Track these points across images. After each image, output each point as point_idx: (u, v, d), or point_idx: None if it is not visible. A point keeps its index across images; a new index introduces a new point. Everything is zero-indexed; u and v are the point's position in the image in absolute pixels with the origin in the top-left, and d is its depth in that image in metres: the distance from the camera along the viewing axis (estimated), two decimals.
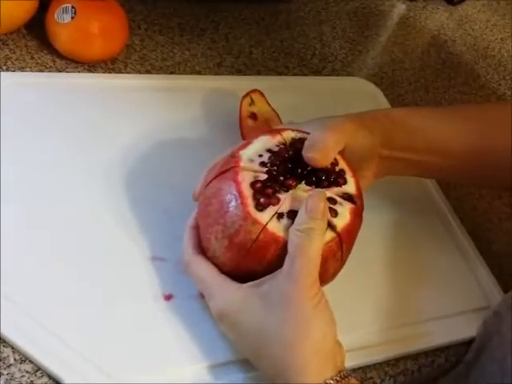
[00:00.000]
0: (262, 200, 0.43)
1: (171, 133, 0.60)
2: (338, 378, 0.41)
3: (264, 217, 0.43)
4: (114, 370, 0.43)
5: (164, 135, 0.60)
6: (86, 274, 0.48)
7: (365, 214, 0.47)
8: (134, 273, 0.49)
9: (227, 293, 0.44)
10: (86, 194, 0.53)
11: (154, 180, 0.56)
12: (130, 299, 0.48)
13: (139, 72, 0.66)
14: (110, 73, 0.64)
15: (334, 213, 0.45)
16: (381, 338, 0.46)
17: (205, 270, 0.45)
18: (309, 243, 0.42)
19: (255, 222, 0.43)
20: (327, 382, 0.40)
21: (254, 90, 0.63)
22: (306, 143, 0.47)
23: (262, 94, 0.63)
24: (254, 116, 0.62)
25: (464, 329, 0.56)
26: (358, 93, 0.75)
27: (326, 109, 0.59)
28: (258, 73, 0.73)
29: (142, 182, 0.55)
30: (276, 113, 0.62)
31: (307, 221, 0.42)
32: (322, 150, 0.46)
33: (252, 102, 0.62)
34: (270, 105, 0.63)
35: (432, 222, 0.64)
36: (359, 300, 0.54)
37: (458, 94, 0.85)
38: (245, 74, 0.72)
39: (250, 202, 0.43)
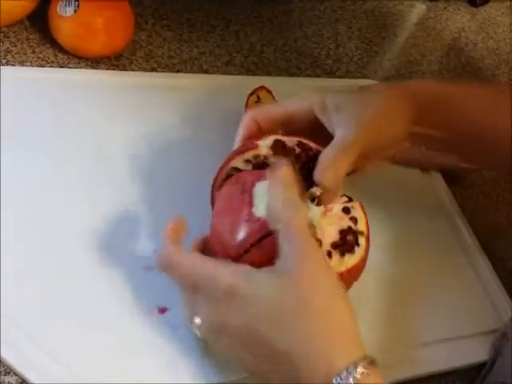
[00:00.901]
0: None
1: (175, 133, 0.58)
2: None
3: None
4: None
5: (167, 135, 0.57)
6: (76, 285, 0.45)
7: (375, 226, 0.45)
8: (128, 284, 0.47)
9: (228, 267, 0.40)
10: (85, 195, 0.50)
11: (154, 182, 0.53)
12: (122, 312, 0.45)
13: (144, 69, 0.64)
14: (113, 69, 0.62)
15: (354, 220, 0.44)
16: (385, 361, 0.43)
17: (198, 260, 0.41)
18: (295, 216, 0.39)
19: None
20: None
21: (261, 87, 0.60)
22: (320, 162, 0.45)
23: (269, 91, 0.60)
24: None
25: (475, 352, 0.53)
26: None
27: None
28: (269, 73, 0.70)
29: (141, 183, 0.53)
30: None
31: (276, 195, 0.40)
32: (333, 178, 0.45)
33: (258, 100, 0.60)
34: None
35: (444, 236, 0.61)
36: (363, 320, 0.51)
37: None
38: (254, 74, 0.69)
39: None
